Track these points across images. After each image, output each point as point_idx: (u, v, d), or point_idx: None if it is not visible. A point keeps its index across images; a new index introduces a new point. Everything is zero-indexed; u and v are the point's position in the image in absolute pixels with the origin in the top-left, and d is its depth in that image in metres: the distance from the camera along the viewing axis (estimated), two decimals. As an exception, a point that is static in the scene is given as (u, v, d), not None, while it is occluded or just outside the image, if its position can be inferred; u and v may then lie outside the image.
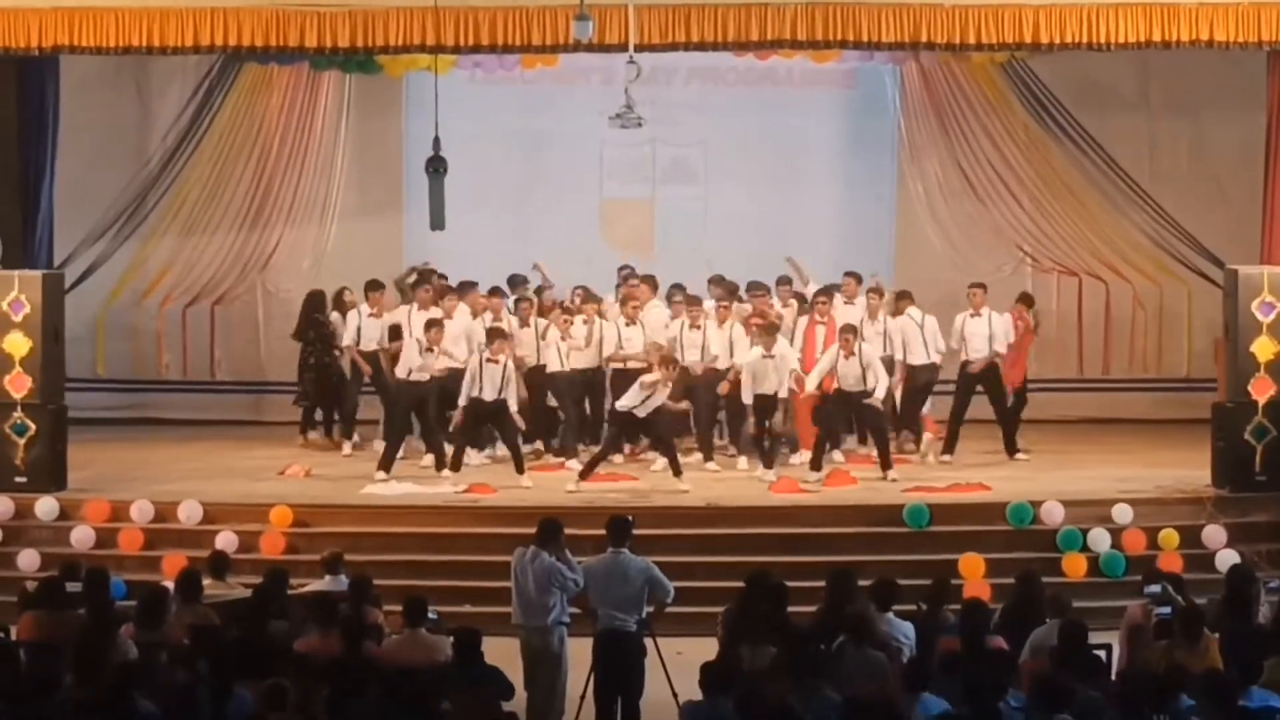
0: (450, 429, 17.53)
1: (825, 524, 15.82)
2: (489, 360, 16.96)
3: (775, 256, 19.63)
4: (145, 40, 16.14)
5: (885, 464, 17.25)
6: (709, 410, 18.17)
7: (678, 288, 18.74)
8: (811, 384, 17.16)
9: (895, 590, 11.71)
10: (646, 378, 16.70)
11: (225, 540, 15.33)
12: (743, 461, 17.94)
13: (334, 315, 19.13)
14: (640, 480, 17.26)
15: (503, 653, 11.45)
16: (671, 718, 10.63)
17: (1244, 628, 11.49)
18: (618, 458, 17.98)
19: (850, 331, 17.22)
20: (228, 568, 13.54)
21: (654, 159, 21.57)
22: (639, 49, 15.91)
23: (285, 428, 19.90)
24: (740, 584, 12.04)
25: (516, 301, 18.68)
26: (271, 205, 21.10)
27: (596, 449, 17.26)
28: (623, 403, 16.82)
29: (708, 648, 11.38)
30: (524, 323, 18.39)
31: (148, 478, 17.36)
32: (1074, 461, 18.31)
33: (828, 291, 18.52)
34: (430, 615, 11.62)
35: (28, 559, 15.67)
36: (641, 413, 16.66)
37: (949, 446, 18.20)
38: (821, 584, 12.20)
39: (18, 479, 16.50)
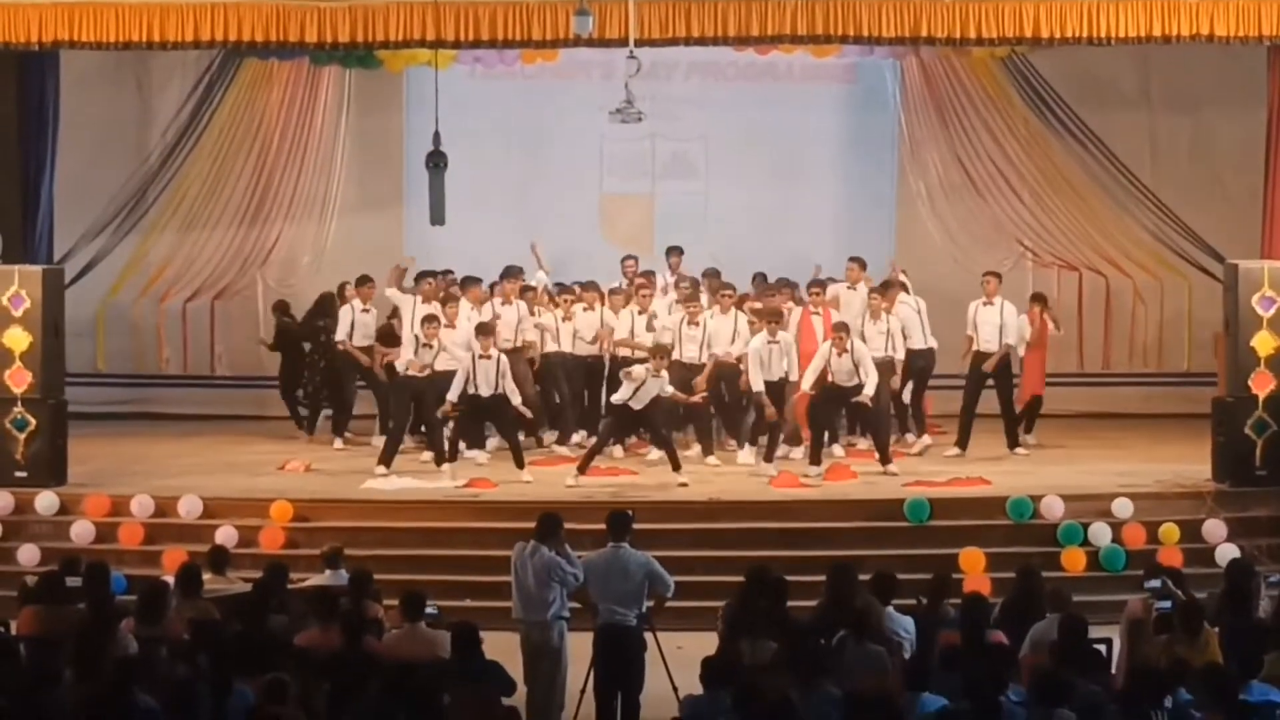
0: (438, 417, 17.52)
1: (825, 519, 15.82)
2: (481, 356, 16.96)
3: (776, 251, 19.65)
4: (145, 35, 16.13)
5: (884, 459, 17.26)
6: (717, 403, 18.18)
7: (713, 274, 18.83)
8: (807, 383, 17.14)
9: (894, 584, 11.72)
10: (634, 369, 16.75)
11: (225, 535, 15.32)
12: (743, 455, 17.94)
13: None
14: (640, 475, 17.27)
15: (503, 647, 11.44)
16: (671, 712, 10.61)
17: (1244, 622, 11.48)
18: (617, 450, 18.01)
19: (843, 329, 17.22)
20: (228, 562, 13.53)
21: (654, 154, 21.58)
22: (639, 44, 15.90)
23: (285, 423, 19.90)
24: (740, 579, 12.06)
25: (523, 290, 18.73)
26: (272, 200, 21.10)
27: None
28: (617, 396, 16.84)
29: (708, 642, 11.38)
30: (530, 310, 18.46)
31: (148, 472, 17.37)
32: (1074, 456, 18.33)
33: (820, 283, 18.55)
34: (429, 610, 11.63)
35: (28, 554, 15.67)
36: (636, 405, 16.67)
37: (961, 441, 18.21)
38: (822, 579, 12.21)
39: (18, 474, 16.51)
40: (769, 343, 17.15)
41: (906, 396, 18.65)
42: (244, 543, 15.38)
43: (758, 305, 18.24)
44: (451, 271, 19.21)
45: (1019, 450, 18.32)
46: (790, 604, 11.61)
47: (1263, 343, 16.47)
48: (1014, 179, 21.02)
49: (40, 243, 17.10)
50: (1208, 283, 18.02)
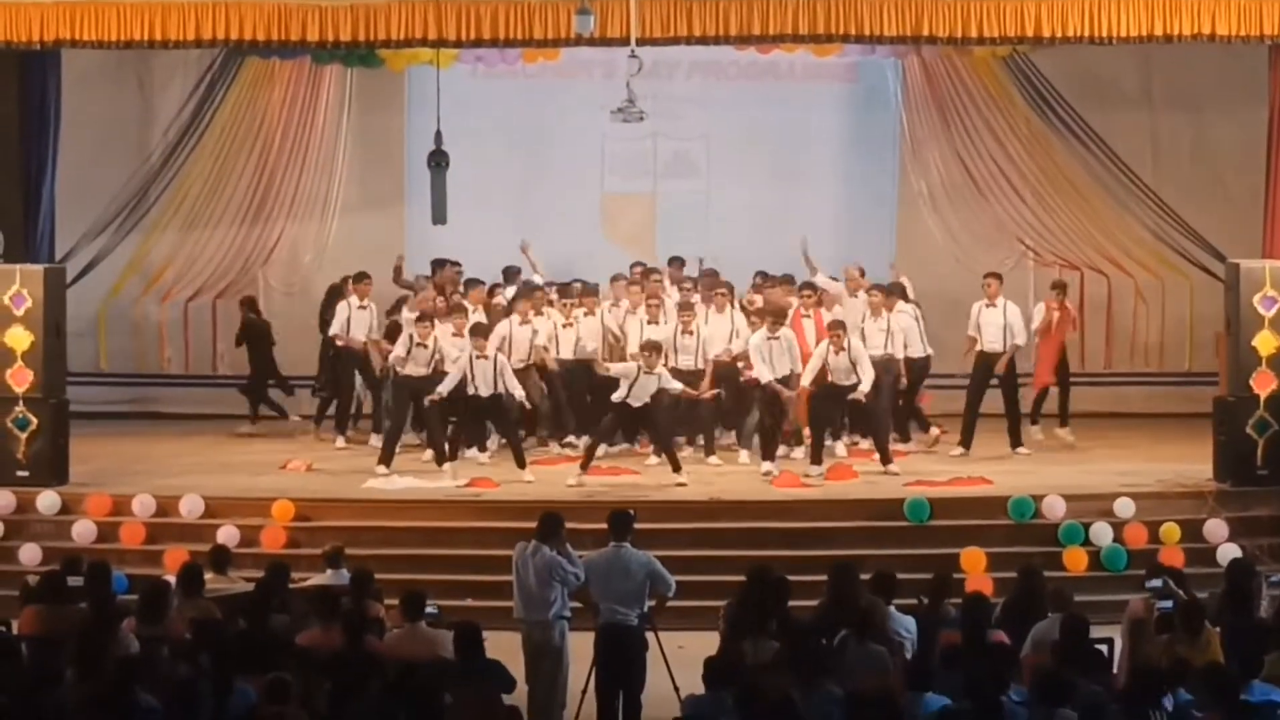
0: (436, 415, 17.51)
1: (826, 518, 15.82)
2: (478, 357, 16.95)
3: (777, 250, 19.64)
4: (147, 34, 16.14)
5: (885, 458, 17.26)
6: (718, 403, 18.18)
7: (711, 274, 18.81)
8: (806, 379, 17.13)
9: (894, 583, 11.72)
10: (614, 366, 16.82)
11: (227, 534, 15.33)
12: (744, 455, 17.94)
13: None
14: (641, 474, 17.27)
15: (504, 647, 11.45)
16: (673, 711, 10.62)
17: (1245, 622, 11.48)
18: (617, 446, 18.02)
19: (840, 327, 17.22)
20: (229, 562, 13.54)
21: (655, 153, 21.57)
22: (641, 43, 15.90)
23: (284, 422, 19.91)
24: (741, 578, 12.06)
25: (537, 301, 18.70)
26: (273, 200, 21.10)
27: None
28: (616, 395, 16.84)
29: (709, 642, 11.38)
30: (538, 312, 18.44)
31: (149, 472, 17.37)
32: (1076, 456, 18.33)
33: (812, 285, 18.55)
34: (429, 609, 11.64)
35: (29, 553, 15.67)
36: (635, 402, 16.66)
37: (965, 440, 18.22)
38: (823, 578, 12.22)
39: (19, 473, 16.51)
40: (769, 339, 17.13)
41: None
42: (245, 542, 15.39)
43: (757, 299, 18.22)
44: (459, 263, 19.19)
45: (1021, 450, 18.31)
46: (791, 604, 11.60)
47: (1264, 342, 16.47)
48: (1015, 178, 21.01)
49: (42, 242, 17.11)
50: (1209, 282, 18.01)
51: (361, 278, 18.90)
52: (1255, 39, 16.24)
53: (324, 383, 19.58)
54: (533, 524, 12.12)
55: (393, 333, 18.61)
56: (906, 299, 18.71)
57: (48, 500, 16.21)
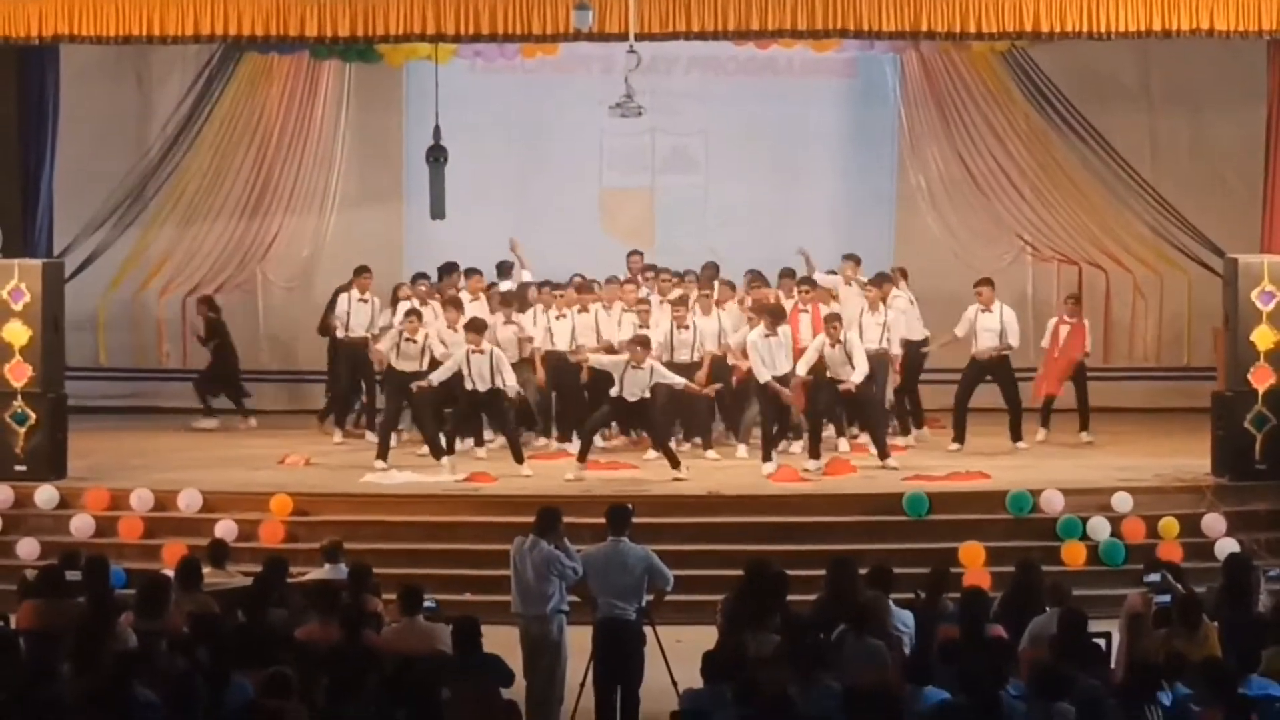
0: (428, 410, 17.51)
1: (825, 512, 15.84)
2: (474, 351, 16.95)
3: (776, 246, 19.65)
4: (145, 29, 16.13)
5: (882, 453, 17.25)
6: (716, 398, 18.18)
7: (712, 268, 18.94)
8: (800, 370, 17.13)
9: (891, 578, 11.73)
10: (592, 357, 16.86)
11: (225, 529, 15.35)
12: (742, 449, 17.94)
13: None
14: (640, 469, 17.27)
15: (502, 641, 11.47)
16: (671, 706, 10.62)
17: (1243, 616, 11.50)
18: (618, 441, 18.02)
19: (835, 320, 17.22)
20: (227, 556, 13.57)
21: (654, 148, 21.54)
22: (639, 38, 15.89)
23: (284, 415, 19.93)
24: (740, 572, 12.05)
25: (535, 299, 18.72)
26: (271, 194, 21.08)
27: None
28: (613, 390, 16.84)
29: (707, 636, 11.39)
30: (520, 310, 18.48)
31: (147, 466, 17.38)
32: (1074, 450, 18.34)
33: (810, 280, 18.54)
34: (427, 603, 11.63)
35: (27, 547, 15.68)
36: (629, 396, 16.65)
37: (958, 436, 18.23)
38: (821, 572, 12.21)
39: (18, 467, 16.52)
40: (767, 336, 17.12)
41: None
42: (244, 536, 15.41)
43: (748, 299, 18.24)
44: (456, 266, 19.19)
45: (1020, 444, 18.31)
46: (790, 598, 11.61)
47: (1262, 337, 16.48)
48: (1014, 174, 20.99)
49: (40, 236, 17.11)
50: (1207, 277, 18.01)
51: (361, 271, 18.91)
52: (1254, 34, 16.21)
53: (336, 376, 19.56)
54: (531, 518, 12.14)
55: None
56: (905, 280, 18.73)
57: (46, 495, 16.22)
